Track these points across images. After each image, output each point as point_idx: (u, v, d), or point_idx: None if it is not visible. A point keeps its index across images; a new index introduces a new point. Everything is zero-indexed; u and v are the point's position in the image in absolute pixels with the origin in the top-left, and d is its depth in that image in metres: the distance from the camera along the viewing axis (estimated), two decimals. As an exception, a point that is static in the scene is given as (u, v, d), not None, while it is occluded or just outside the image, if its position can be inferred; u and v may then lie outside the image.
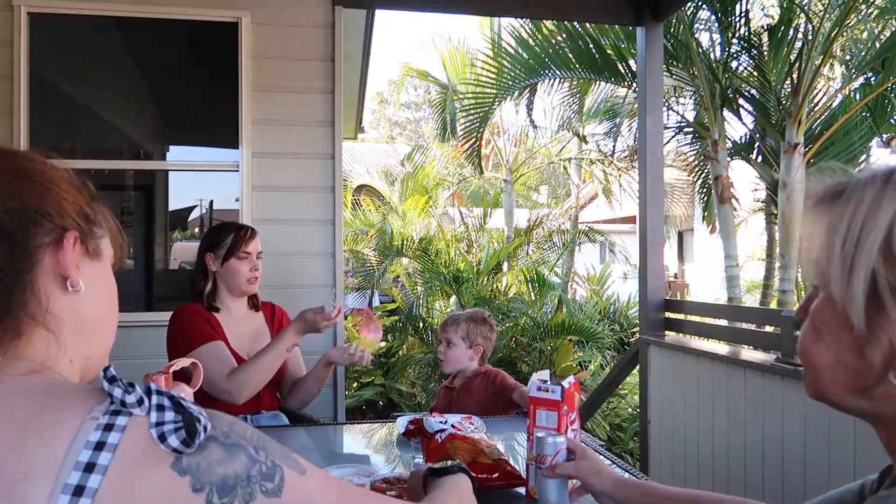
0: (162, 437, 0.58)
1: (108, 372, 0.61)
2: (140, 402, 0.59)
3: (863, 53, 5.46)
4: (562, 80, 5.74)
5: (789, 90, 4.96)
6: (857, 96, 5.24)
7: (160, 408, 0.59)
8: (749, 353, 2.84)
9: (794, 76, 4.83)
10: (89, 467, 0.55)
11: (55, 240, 0.68)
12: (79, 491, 0.54)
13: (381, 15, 4.53)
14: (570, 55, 5.18)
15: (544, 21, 5.19)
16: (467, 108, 6.27)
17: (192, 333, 2.12)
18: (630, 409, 5.24)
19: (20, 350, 0.66)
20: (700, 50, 5.05)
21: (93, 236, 0.72)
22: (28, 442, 0.56)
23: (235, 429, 0.64)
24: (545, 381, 1.44)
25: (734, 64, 5.32)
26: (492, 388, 2.43)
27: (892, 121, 5.48)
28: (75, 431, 0.57)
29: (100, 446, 0.56)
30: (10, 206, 0.65)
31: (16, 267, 0.65)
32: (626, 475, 1.71)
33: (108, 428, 0.58)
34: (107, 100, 3.44)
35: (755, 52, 4.94)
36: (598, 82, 6.06)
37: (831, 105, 5.46)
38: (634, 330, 6.97)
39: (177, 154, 3.72)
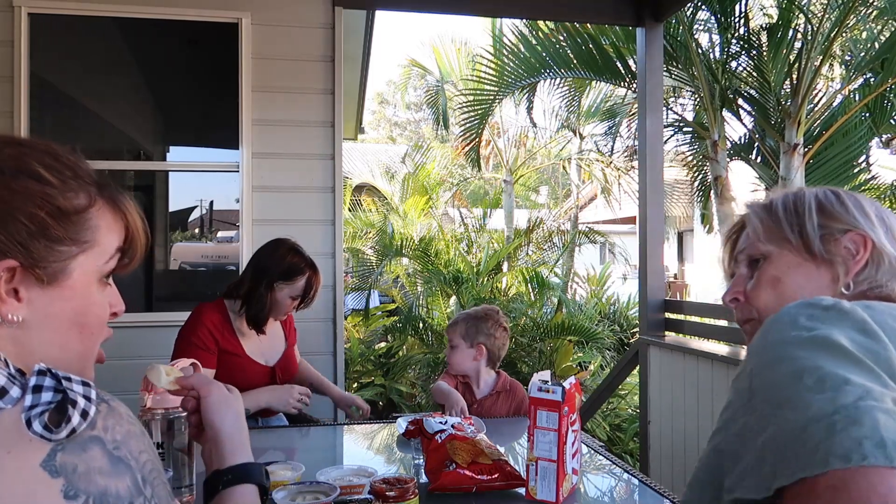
0: (29, 423, 0.51)
1: None
2: (2, 392, 0.52)
3: (862, 54, 5.46)
4: (562, 79, 5.74)
5: (789, 90, 4.96)
6: (857, 97, 5.24)
7: (37, 389, 0.52)
8: (749, 354, 2.84)
9: (794, 77, 4.83)
10: None
11: None
12: None
13: (381, 16, 4.54)
14: (571, 55, 5.18)
15: (545, 21, 5.19)
16: (466, 104, 6.25)
17: (186, 342, 2.10)
18: (630, 410, 5.23)
19: None
20: (699, 50, 5.06)
21: (52, 258, 0.61)
22: None
23: (130, 444, 0.56)
24: (546, 382, 1.44)
25: (733, 64, 5.32)
26: (515, 410, 2.29)
27: (891, 121, 5.47)
28: None
29: None
30: None
31: None
32: (627, 475, 1.71)
33: None
34: (107, 100, 3.44)
35: (754, 52, 4.94)
36: (596, 82, 6.05)
37: (831, 105, 5.46)
38: (634, 330, 6.97)
39: (177, 155, 3.72)
